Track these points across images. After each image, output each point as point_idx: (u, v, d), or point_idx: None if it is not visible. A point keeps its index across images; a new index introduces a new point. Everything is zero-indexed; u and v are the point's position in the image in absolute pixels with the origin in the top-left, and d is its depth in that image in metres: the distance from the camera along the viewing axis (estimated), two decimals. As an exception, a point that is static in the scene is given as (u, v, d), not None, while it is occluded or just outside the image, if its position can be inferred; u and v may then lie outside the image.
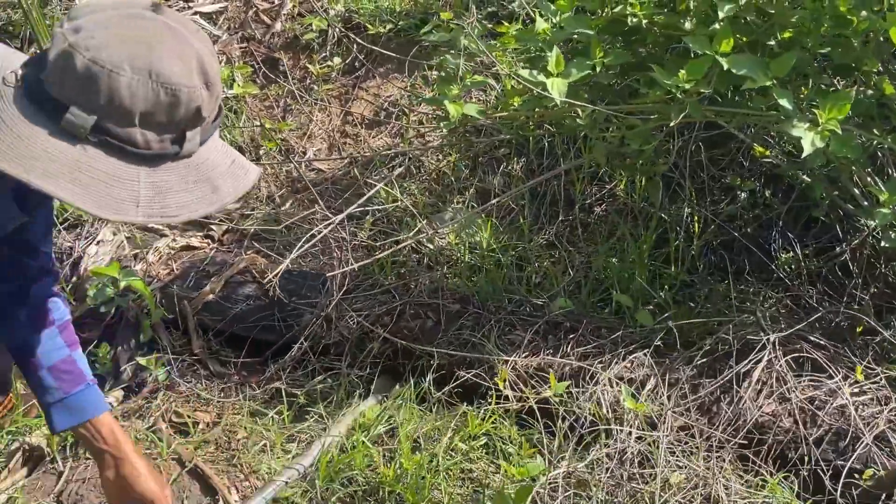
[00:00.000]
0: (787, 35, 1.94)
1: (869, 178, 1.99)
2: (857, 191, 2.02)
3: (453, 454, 1.75)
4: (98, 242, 2.34)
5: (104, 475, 1.33)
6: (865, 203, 2.00)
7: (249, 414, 1.92)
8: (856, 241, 2.17)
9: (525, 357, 1.90)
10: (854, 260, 2.16)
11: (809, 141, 1.74)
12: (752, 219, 2.35)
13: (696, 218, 2.32)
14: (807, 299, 2.09)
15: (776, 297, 2.13)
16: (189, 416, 1.89)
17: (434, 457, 1.72)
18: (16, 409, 1.86)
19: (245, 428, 1.87)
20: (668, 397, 1.76)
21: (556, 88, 1.91)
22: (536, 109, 2.13)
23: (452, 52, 2.23)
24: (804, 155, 1.73)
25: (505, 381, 1.83)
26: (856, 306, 2.02)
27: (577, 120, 2.09)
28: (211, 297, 2.16)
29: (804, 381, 1.77)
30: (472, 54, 2.26)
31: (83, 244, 2.37)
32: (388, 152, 2.50)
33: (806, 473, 1.66)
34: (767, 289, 2.17)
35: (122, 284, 2.08)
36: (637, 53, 2.11)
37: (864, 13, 1.82)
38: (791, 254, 2.24)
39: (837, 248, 2.18)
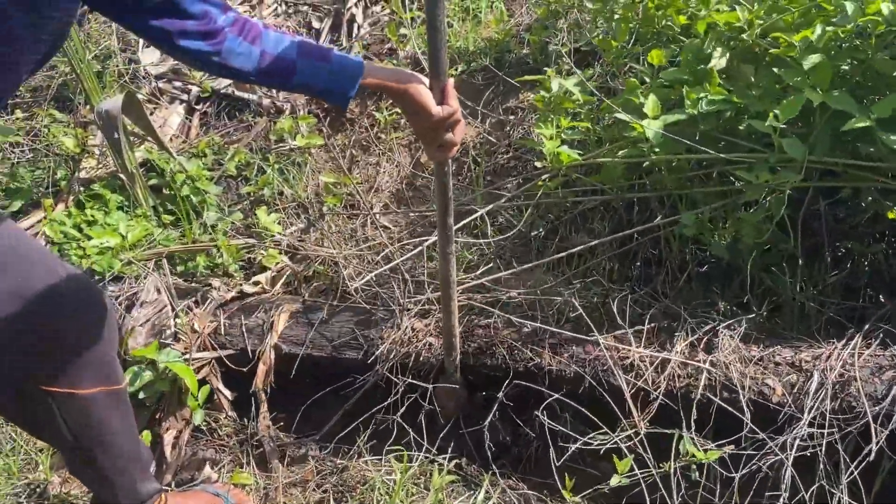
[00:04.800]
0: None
1: None
2: None
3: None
4: (142, 304, 2.33)
5: (417, 102, 1.41)
6: None
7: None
8: None
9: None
10: None
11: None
12: (883, 286, 2.17)
13: (808, 286, 2.17)
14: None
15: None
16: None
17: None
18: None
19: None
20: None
21: (652, 130, 1.93)
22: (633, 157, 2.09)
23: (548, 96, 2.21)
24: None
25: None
26: None
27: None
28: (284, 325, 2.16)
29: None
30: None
31: (125, 300, 2.38)
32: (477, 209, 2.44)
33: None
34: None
35: (162, 366, 2.04)
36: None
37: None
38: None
39: None
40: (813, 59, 1.76)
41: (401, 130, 3.23)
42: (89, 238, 2.55)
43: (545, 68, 3.22)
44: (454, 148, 1.48)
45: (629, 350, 1.85)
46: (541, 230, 2.64)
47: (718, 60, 1.93)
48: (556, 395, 1.84)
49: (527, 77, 2.53)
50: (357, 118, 3.32)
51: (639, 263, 2.50)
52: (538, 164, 2.29)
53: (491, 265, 2.22)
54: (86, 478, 1.69)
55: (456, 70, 3.31)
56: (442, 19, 1.31)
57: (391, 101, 1.55)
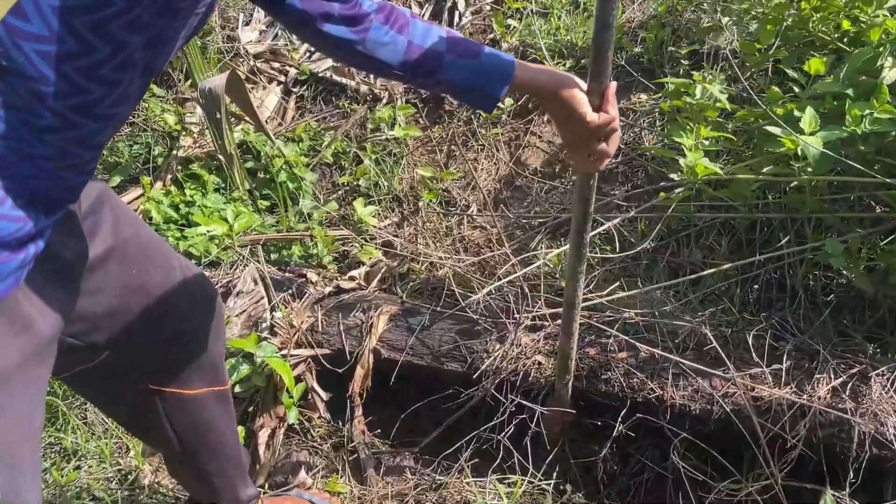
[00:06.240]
0: None
1: None
2: None
3: None
4: (237, 294, 2.28)
5: (570, 106, 1.28)
6: None
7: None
8: None
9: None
10: None
11: None
12: None
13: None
14: None
15: None
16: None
17: None
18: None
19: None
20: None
21: (811, 147, 1.75)
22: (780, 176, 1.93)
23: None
24: None
25: None
26: None
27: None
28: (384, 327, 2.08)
29: None
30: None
31: (219, 288, 2.33)
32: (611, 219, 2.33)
33: None
34: None
35: (259, 360, 1.99)
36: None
37: None
38: None
39: None
40: None
41: (500, 126, 3.12)
42: (190, 223, 2.52)
43: (661, 69, 3.08)
44: (606, 160, 1.36)
45: (764, 389, 1.70)
46: (651, 243, 2.50)
47: (890, 73, 1.76)
48: (683, 434, 1.71)
49: (667, 79, 2.38)
50: (456, 111, 3.21)
51: (756, 287, 2.34)
52: (674, 176, 2.14)
53: (617, 283, 2.09)
54: (185, 478, 1.65)
55: (564, 66, 3.17)
56: (614, 15, 1.19)
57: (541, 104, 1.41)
